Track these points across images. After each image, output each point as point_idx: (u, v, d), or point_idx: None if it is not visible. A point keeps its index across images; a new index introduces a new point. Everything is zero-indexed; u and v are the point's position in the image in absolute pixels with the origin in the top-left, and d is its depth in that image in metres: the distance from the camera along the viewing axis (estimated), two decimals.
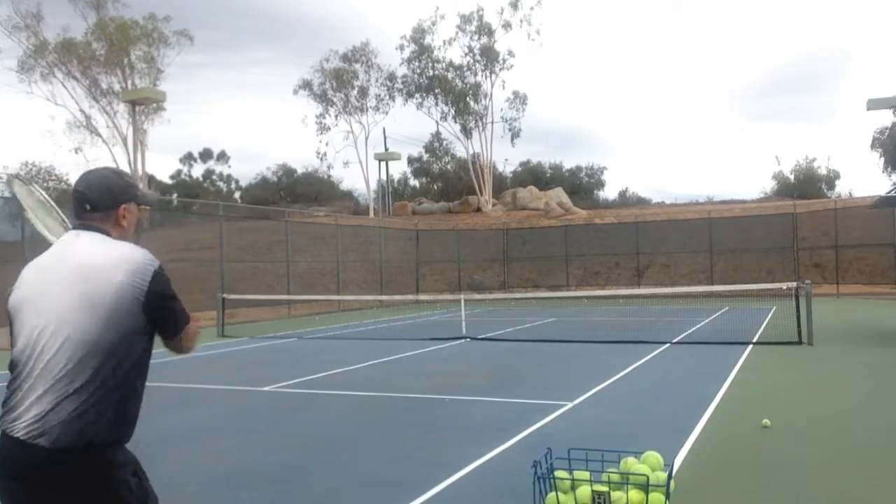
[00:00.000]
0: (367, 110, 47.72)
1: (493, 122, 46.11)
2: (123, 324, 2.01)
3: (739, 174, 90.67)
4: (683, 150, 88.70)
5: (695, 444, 5.49)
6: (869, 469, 4.81)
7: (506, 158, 71.25)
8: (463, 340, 13.28)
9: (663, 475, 3.70)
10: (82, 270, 2.02)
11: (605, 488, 3.54)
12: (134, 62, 36.80)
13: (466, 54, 45.61)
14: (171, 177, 60.06)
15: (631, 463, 3.82)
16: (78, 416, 1.95)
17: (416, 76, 46.28)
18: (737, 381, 8.22)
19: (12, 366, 2.06)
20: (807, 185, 48.44)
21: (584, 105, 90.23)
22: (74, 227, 2.18)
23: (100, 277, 2.00)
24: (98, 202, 2.15)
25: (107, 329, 1.99)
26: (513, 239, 31.64)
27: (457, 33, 45.44)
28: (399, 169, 59.69)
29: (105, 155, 36.90)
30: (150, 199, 2.42)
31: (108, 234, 2.14)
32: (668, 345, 11.82)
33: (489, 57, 45.22)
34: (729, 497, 4.33)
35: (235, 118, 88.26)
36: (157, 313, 2.08)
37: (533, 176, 54.48)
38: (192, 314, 2.25)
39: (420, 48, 45.81)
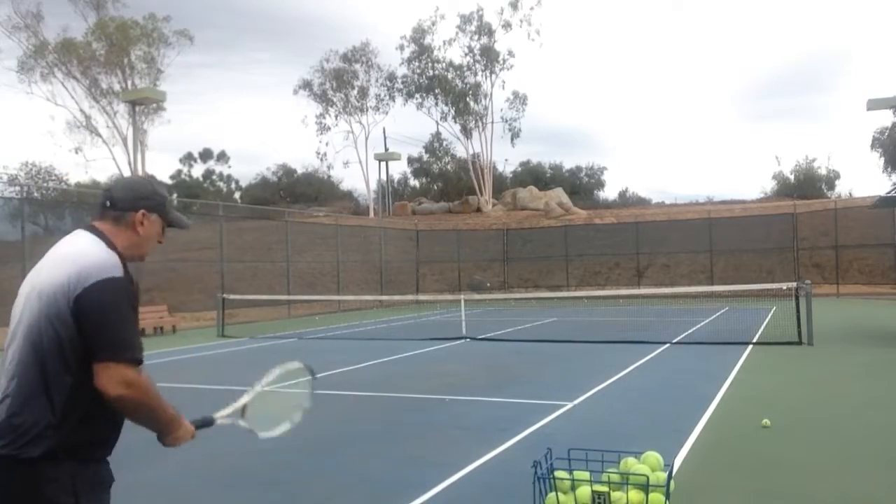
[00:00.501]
0: (367, 110, 47.81)
1: (493, 122, 46.19)
2: (56, 325, 1.89)
3: (739, 174, 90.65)
4: (683, 150, 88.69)
5: (695, 444, 5.49)
6: (869, 469, 4.81)
7: (506, 158, 71.39)
8: (463, 340, 13.28)
9: (663, 475, 3.70)
10: (46, 265, 1.99)
11: (605, 488, 3.53)
12: (134, 62, 36.80)
13: (466, 54, 45.68)
14: (171, 177, 60.02)
15: (631, 463, 3.82)
16: (10, 417, 1.88)
17: (416, 76, 46.32)
18: (737, 381, 8.22)
19: None
20: (807, 185, 48.44)
21: (585, 105, 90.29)
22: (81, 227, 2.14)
23: (51, 273, 1.93)
24: (117, 199, 2.08)
25: (39, 325, 1.90)
26: (513, 239, 31.64)
27: (457, 33, 45.52)
28: (399, 169, 59.75)
29: (105, 155, 36.99)
30: (180, 221, 2.25)
31: (102, 235, 2.02)
32: (668, 345, 11.82)
33: (489, 57, 45.24)
34: (729, 497, 4.33)
35: (235, 118, 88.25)
36: (84, 320, 1.87)
37: (533, 176, 54.47)
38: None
39: (420, 48, 45.83)
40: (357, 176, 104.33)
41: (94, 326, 1.88)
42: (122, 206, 2.08)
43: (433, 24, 45.59)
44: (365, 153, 46.94)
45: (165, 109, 38.03)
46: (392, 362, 10.87)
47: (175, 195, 50.96)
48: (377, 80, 47.41)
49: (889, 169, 40.62)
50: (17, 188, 24.44)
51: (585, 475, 3.67)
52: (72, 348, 1.89)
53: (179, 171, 61.57)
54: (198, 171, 62.93)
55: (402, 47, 46.02)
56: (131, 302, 1.95)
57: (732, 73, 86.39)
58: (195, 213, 27.07)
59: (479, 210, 42.66)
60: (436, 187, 54.98)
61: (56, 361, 1.89)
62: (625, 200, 54.86)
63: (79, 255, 1.95)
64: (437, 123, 47.73)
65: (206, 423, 2.47)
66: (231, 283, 19.88)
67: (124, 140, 36.17)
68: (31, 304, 1.93)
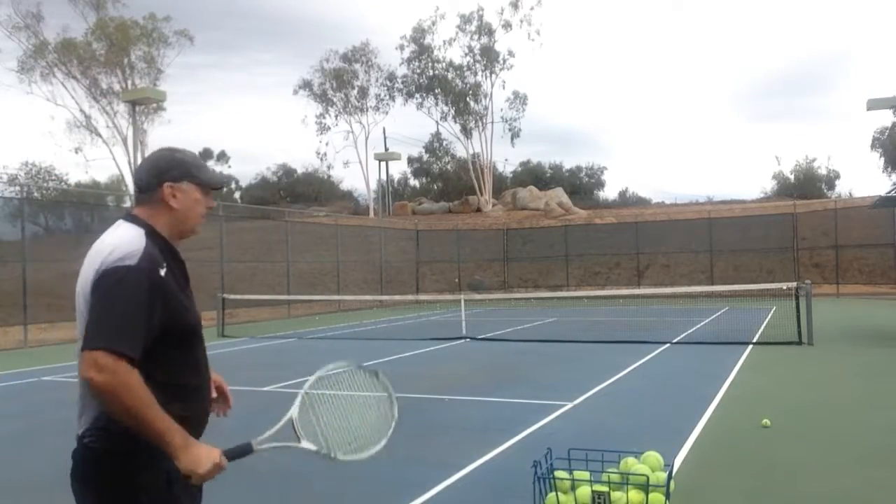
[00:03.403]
0: (367, 110, 47.88)
1: (493, 122, 46.26)
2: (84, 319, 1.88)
3: (739, 174, 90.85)
4: (683, 150, 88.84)
5: (695, 444, 5.49)
6: (868, 469, 4.81)
7: (506, 158, 71.55)
8: (463, 340, 13.28)
9: (663, 475, 3.70)
10: (85, 262, 1.92)
11: (605, 488, 3.53)
12: (134, 62, 36.82)
13: (466, 54, 45.75)
14: None
15: (631, 463, 3.82)
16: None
17: (416, 76, 46.37)
18: (737, 381, 8.22)
19: None
20: (807, 185, 48.50)
21: (585, 105, 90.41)
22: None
23: (84, 270, 1.89)
24: (142, 182, 2.00)
25: (81, 324, 1.86)
26: (513, 239, 31.64)
27: (457, 33, 45.64)
28: (399, 169, 59.83)
29: (105, 155, 37.00)
30: (213, 179, 2.09)
31: (138, 221, 1.96)
32: (668, 345, 11.82)
33: (489, 57, 45.27)
34: (729, 497, 4.33)
35: (235, 118, 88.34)
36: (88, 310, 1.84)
37: (533, 176, 54.48)
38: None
39: (420, 48, 45.87)
40: (357, 176, 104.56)
41: (91, 311, 1.81)
42: (148, 187, 1.99)
43: (433, 23, 45.76)
44: (365, 153, 47.04)
45: (165, 109, 38.15)
46: (392, 362, 10.86)
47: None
48: (377, 80, 47.56)
49: (889, 169, 40.71)
50: (17, 188, 24.46)
51: (585, 475, 3.67)
52: None
53: None
54: None
55: (402, 47, 46.17)
56: (144, 290, 1.81)
57: (732, 73, 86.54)
58: None
59: (479, 210, 42.67)
60: (436, 187, 55.01)
61: None
62: (625, 200, 54.88)
63: (103, 246, 1.88)
64: (437, 123, 47.86)
65: (242, 451, 2.06)
66: (231, 283, 19.89)
67: (124, 140, 36.20)
68: (79, 306, 1.89)
